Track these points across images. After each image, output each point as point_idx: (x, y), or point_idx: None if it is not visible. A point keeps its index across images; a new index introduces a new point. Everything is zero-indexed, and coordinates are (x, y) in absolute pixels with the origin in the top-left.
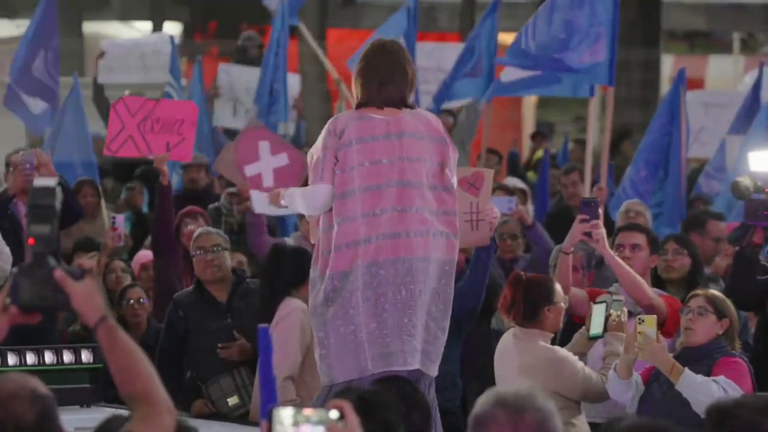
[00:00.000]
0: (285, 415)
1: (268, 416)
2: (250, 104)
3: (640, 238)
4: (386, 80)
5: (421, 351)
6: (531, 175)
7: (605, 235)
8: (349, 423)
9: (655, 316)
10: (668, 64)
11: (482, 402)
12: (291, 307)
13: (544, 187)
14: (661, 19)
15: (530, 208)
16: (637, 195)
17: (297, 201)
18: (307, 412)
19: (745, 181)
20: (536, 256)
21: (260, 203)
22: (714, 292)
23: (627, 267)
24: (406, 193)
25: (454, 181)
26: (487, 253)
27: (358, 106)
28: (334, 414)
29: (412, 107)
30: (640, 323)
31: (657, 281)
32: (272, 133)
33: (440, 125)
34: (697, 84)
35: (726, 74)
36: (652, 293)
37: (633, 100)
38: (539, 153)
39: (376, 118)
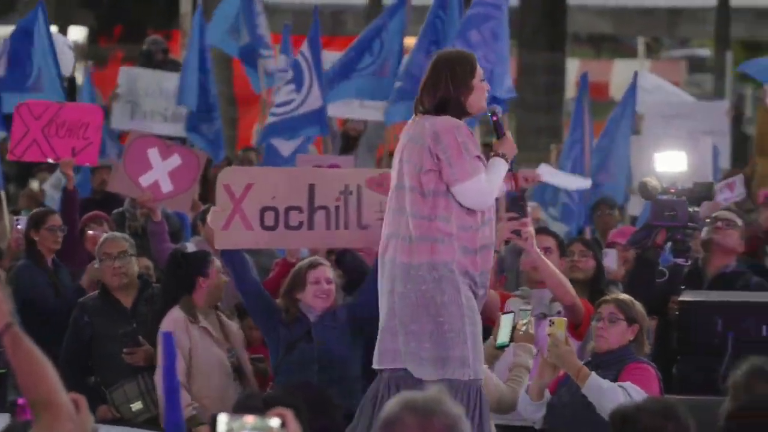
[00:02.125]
0: (221, 421)
1: (211, 422)
2: (148, 107)
3: (550, 242)
4: (420, 90)
5: (402, 353)
6: None
7: (534, 234)
8: (291, 431)
9: (565, 319)
10: (573, 69)
11: (391, 405)
12: (171, 317)
13: None
14: (566, 23)
15: None
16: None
17: None
18: (248, 419)
19: (652, 181)
20: None
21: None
22: (623, 296)
23: (553, 266)
24: (399, 195)
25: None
26: None
27: None
28: (275, 422)
29: (447, 113)
30: (550, 325)
31: None
32: (158, 138)
33: (435, 127)
34: (602, 88)
35: (631, 78)
36: (575, 293)
37: (539, 104)
38: None
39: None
